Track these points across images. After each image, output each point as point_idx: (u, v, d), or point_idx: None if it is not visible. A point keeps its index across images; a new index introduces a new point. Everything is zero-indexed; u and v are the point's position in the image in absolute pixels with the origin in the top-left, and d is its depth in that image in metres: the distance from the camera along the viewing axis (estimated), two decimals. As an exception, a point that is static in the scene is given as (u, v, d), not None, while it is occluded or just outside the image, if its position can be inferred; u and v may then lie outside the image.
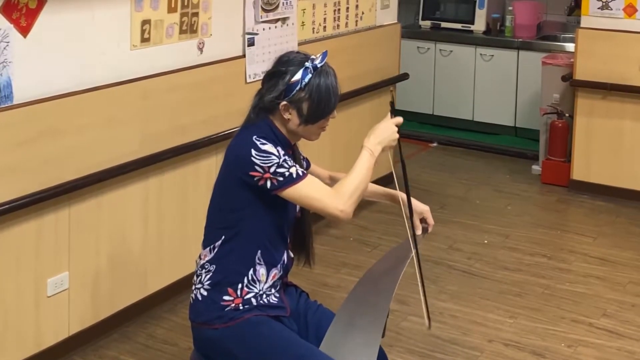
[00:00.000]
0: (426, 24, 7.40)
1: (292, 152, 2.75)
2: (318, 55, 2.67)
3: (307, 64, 2.63)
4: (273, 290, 2.69)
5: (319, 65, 2.64)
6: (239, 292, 2.63)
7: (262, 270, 2.66)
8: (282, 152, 2.57)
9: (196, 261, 2.75)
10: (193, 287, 2.71)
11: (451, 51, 7.17)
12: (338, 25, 5.23)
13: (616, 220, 5.36)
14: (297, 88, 2.62)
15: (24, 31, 3.36)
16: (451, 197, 5.71)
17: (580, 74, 5.73)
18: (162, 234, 4.06)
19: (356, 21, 5.41)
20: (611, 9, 5.60)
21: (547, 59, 6.16)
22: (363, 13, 5.46)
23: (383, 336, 2.63)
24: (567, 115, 5.92)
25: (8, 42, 3.29)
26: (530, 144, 6.68)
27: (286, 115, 2.64)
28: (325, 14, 5.10)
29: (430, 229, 2.90)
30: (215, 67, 4.27)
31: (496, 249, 4.91)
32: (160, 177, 4.02)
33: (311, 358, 2.53)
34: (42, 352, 3.56)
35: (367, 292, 2.75)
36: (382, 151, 2.67)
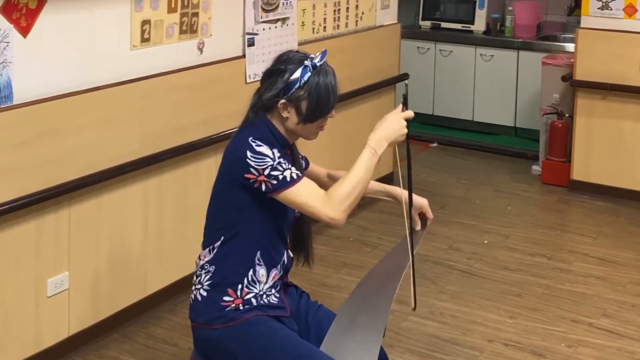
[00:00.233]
0: (426, 24, 7.40)
1: (290, 152, 2.75)
2: (317, 54, 2.66)
3: (307, 62, 2.63)
4: (273, 291, 2.68)
5: (318, 64, 2.63)
6: (238, 293, 2.63)
7: (262, 271, 2.66)
8: (277, 155, 2.56)
9: (196, 262, 2.75)
10: (193, 288, 2.71)
11: (451, 51, 7.17)
12: (338, 26, 5.23)
13: (616, 220, 5.36)
14: (296, 86, 2.61)
15: (24, 31, 3.36)
16: (451, 197, 5.71)
17: (580, 74, 5.73)
18: (162, 234, 4.07)
19: (356, 21, 5.41)
20: (611, 9, 5.60)
21: (547, 59, 6.16)
22: (363, 13, 5.46)
23: (383, 336, 2.63)
24: (567, 115, 5.92)
25: (8, 42, 3.29)
26: (530, 144, 6.68)
27: (285, 114, 2.64)
28: (325, 14, 5.11)
29: (429, 222, 2.88)
30: (215, 67, 4.27)
31: (496, 249, 4.91)
32: (160, 177, 4.02)
33: (311, 358, 2.53)
34: (42, 352, 3.56)
35: (368, 292, 2.75)
36: (389, 146, 2.61)
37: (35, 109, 3.40)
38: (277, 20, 4.64)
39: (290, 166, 2.57)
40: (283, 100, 2.62)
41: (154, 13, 3.91)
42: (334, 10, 5.18)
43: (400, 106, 2.65)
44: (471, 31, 7.17)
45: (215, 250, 2.66)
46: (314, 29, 5.02)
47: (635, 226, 5.27)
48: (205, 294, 2.65)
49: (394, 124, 2.61)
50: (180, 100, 4.07)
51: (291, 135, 2.70)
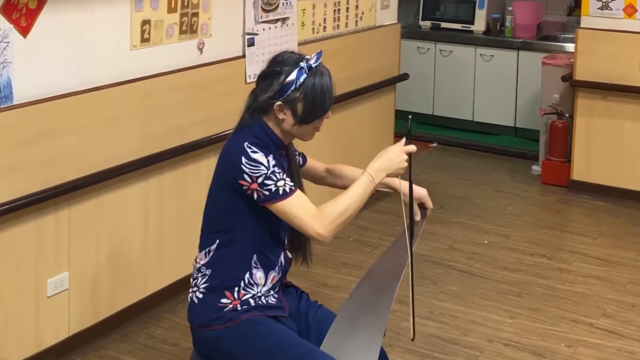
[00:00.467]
0: (426, 24, 7.40)
1: (286, 152, 2.74)
2: (313, 55, 2.65)
3: (302, 64, 2.62)
4: (272, 292, 2.68)
5: (313, 66, 2.62)
6: (236, 295, 2.62)
7: (259, 274, 2.65)
8: (272, 163, 2.54)
9: (193, 264, 2.75)
10: (190, 290, 2.71)
11: (451, 51, 7.17)
12: (338, 26, 5.23)
13: (616, 220, 5.36)
14: (292, 88, 2.60)
15: (24, 31, 3.36)
16: (451, 197, 5.72)
17: (580, 74, 5.73)
18: (162, 234, 4.06)
19: (356, 21, 5.41)
20: (611, 9, 5.60)
21: (547, 59, 6.16)
22: (363, 13, 5.46)
23: (383, 336, 2.63)
24: (567, 115, 5.92)
25: (8, 43, 3.29)
26: (530, 144, 6.68)
27: (280, 116, 2.63)
28: (325, 14, 5.10)
29: (429, 212, 2.87)
30: (215, 68, 4.27)
31: (496, 249, 4.91)
32: (160, 177, 4.02)
33: (312, 357, 2.53)
34: (42, 352, 3.56)
35: (369, 292, 2.74)
36: (386, 177, 2.62)
37: (35, 109, 3.40)
38: (277, 20, 4.64)
39: (284, 176, 2.56)
40: (279, 102, 2.61)
41: (154, 13, 3.91)
42: (334, 11, 5.18)
43: (404, 139, 2.66)
44: (471, 31, 7.17)
45: (211, 254, 2.65)
46: (313, 29, 5.02)
47: (635, 226, 5.27)
48: (201, 296, 2.65)
49: (394, 156, 2.61)
50: (180, 100, 4.07)
51: (287, 136, 2.69)
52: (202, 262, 2.67)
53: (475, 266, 4.68)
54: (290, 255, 2.79)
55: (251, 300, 2.63)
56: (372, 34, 5.55)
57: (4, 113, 3.29)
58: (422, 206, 2.85)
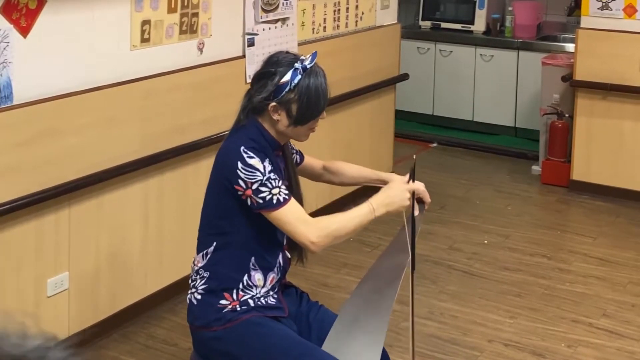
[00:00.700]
0: (426, 24, 7.40)
1: (282, 152, 2.74)
2: (308, 56, 2.65)
3: (297, 64, 2.61)
4: (271, 293, 2.68)
5: (308, 66, 2.61)
6: (235, 296, 2.62)
7: (257, 275, 2.65)
8: (268, 169, 2.54)
9: (191, 266, 2.74)
10: (189, 291, 2.71)
11: (451, 51, 7.17)
12: (338, 26, 5.23)
13: (616, 220, 5.36)
14: (287, 89, 2.59)
15: (24, 31, 3.36)
16: (451, 197, 5.71)
17: (580, 74, 5.73)
18: (162, 234, 4.07)
19: (356, 21, 5.41)
20: (611, 9, 5.60)
21: (547, 59, 6.16)
22: (363, 13, 5.46)
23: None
24: (567, 115, 5.92)
25: (8, 43, 3.29)
26: (530, 144, 6.68)
27: (275, 117, 2.62)
28: (325, 15, 5.10)
29: (427, 207, 2.86)
30: (215, 68, 4.27)
31: (496, 249, 4.91)
32: (160, 177, 4.02)
33: (312, 357, 2.53)
34: (42, 352, 3.55)
35: (370, 291, 2.74)
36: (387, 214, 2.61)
37: (35, 109, 3.40)
38: (277, 21, 4.64)
39: (280, 183, 2.55)
40: (273, 103, 2.61)
41: (154, 13, 3.91)
42: (334, 11, 5.18)
43: (407, 176, 2.67)
44: (471, 31, 7.17)
45: (208, 256, 2.65)
46: (313, 29, 5.02)
47: (635, 226, 5.27)
48: (200, 297, 2.65)
49: (398, 194, 2.61)
50: (180, 100, 4.07)
51: (282, 137, 2.68)
52: (199, 265, 2.67)
53: (475, 266, 4.68)
54: (289, 255, 2.79)
55: (250, 301, 2.62)
56: (372, 34, 5.55)
57: (4, 113, 3.29)
58: (420, 200, 2.84)
